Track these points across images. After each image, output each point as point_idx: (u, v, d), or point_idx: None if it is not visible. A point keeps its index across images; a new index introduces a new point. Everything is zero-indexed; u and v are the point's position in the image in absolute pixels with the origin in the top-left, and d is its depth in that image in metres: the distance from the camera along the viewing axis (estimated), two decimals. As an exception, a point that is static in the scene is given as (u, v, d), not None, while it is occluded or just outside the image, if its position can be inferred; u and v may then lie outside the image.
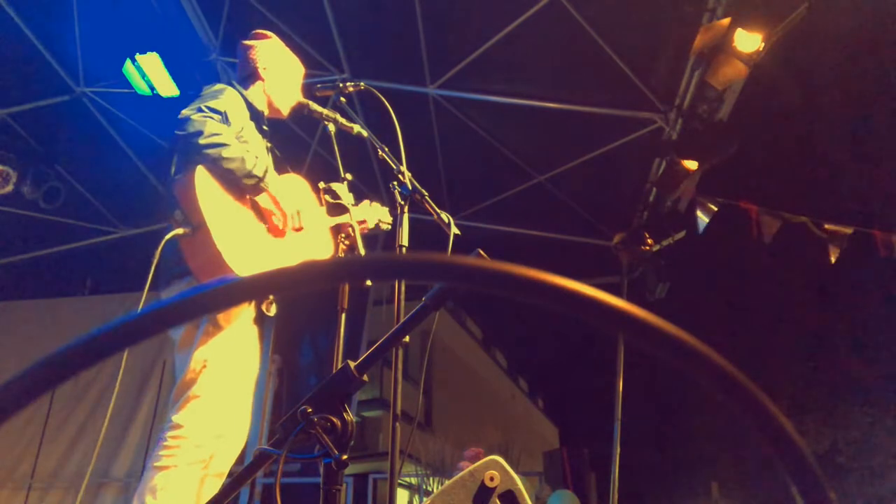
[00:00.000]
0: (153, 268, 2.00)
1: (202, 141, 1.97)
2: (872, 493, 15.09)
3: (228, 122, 2.11)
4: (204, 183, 2.00)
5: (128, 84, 4.55)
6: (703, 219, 5.24)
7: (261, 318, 2.27)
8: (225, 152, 2.00)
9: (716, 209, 5.22)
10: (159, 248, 1.96)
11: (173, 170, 2.09)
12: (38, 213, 5.89)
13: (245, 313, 2.16)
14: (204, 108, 2.05)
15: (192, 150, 2.00)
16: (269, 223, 2.20)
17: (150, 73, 4.44)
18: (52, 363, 0.36)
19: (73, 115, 5.50)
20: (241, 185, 2.08)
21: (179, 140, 2.01)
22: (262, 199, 2.15)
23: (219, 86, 2.24)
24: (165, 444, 1.91)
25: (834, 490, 0.36)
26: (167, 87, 4.47)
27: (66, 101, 5.39)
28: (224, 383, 2.04)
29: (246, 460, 2.03)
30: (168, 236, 1.95)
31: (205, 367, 1.99)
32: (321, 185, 2.31)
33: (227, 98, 2.18)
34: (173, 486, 1.86)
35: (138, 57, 4.40)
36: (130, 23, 4.54)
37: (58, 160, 5.72)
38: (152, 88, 4.48)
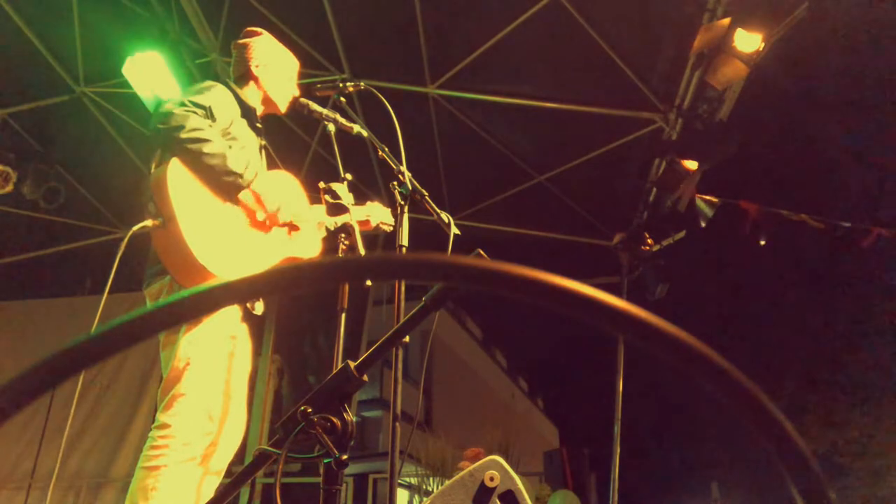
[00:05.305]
0: (116, 260, 1.98)
1: (183, 135, 1.94)
2: (872, 493, 15.09)
3: (213, 118, 2.08)
4: (177, 176, 1.96)
5: (128, 84, 4.54)
6: (703, 218, 5.24)
7: (249, 316, 2.25)
8: (206, 148, 1.96)
9: (716, 209, 5.22)
10: (125, 239, 1.93)
11: (153, 165, 2.07)
12: (38, 213, 5.90)
13: (229, 309, 2.13)
14: (187, 102, 2.01)
15: (172, 144, 1.97)
16: (253, 220, 2.16)
17: (150, 73, 4.43)
18: (52, 363, 0.36)
19: (73, 115, 5.50)
20: (221, 182, 2.03)
21: (161, 133, 1.97)
22: (244, 196, 2.12)
23: (207, 82, 2.22)
24: (154, 444, 1.90)
25: (834, 490, 0.36)
26: (167, 87, 4.46)
27: (66, 101, 5.40)
28: (209, 380, 2.02)
29: (246, 460, 2.03)
30: (137, 227, 1.92)
31: (188, 364, 1.98)
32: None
33: (213, 94, 2.15)
34: (164, 486, 1.85)
35: (138, 57, 4.39)
36: (130, 23, 4.54)
37: (58, 160, 5.72)
38: (152, 89, 4.48)
